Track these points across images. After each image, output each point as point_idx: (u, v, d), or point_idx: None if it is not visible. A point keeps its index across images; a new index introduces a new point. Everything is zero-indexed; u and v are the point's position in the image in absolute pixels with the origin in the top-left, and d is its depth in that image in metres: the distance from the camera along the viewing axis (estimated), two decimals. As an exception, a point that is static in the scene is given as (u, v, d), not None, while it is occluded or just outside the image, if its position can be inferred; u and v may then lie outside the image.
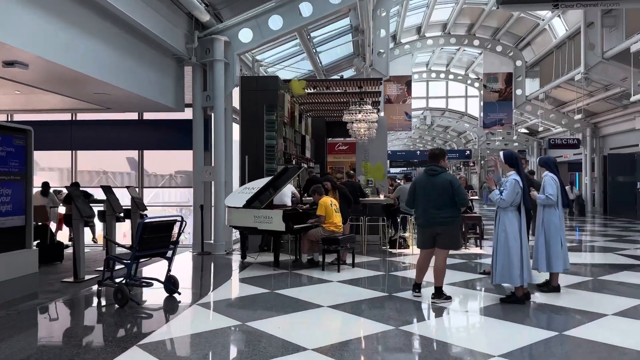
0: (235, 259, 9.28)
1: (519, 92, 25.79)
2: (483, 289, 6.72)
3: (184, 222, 6.08)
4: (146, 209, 9.10)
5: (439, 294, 5.85)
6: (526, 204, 5.83)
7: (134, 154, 12.34)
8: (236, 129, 11.07)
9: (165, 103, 9.55)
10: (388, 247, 10.18)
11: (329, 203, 7.96)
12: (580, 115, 20.50)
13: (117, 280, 6.01)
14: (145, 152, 11.79)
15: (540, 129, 27.85)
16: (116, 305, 5.66)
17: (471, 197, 10.98)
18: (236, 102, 10.92)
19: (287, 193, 9.60)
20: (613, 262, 8.89)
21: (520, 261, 5.76)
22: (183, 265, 9.00)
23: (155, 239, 5.87)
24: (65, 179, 12.53)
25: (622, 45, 16.02)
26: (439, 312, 5.52)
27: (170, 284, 6.18)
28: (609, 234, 13.26)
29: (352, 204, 8.50)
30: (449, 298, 5.86)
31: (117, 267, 6.60)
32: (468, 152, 34.42)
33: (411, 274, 7.69)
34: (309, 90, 11.90)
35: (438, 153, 6.03)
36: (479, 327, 5.16)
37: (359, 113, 11.04)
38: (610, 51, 16.96)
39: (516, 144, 33.32)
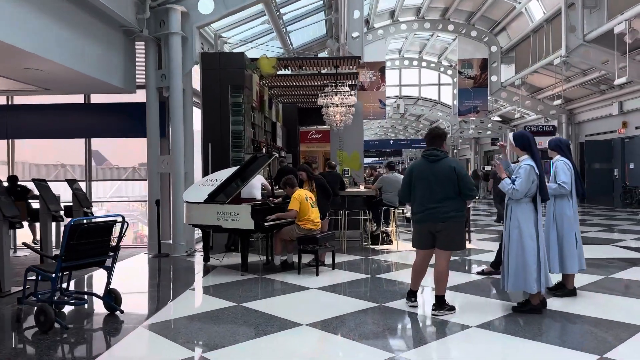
0: (198, 261, 8.11)
1: (494, 78, 25.16)
2: (488, 293, 5.77)
3: (126, 224, 4.88)
4: (91, 206, 7.83)
5: (440, 304, 4.84)
6: (543, 195, 4.86)
7: (95, 144, 10.98)
8: (197, 113, 9.84)
9: (113, 83, 8.24)
10: (370, 243, 9.17)
11: (304, 197, 6.87)
12: (560, 100, 19.94)
13: (44, 296, 4.78)
14: (108, 141, 10.45)
15: (517, 115, 27.34)
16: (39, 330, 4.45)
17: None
18: (197, 84, 9.67)
19: (257, 185, 8.46)
20: (617, 255, 8.09)
21: (537, 263, 4.80)
22: (134, 271, 7.78)
23: (88, 244, 4.67)
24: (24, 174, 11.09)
25: (604, 27, 15.36)
26: (443, 329, 4.51)
27: (111, 299, 4.99)
28: (597, 224, 12.60)
29: (331, 197, 7.43)
30: (452, 309, 4.86)
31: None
32: (442, 140, 33.74)
33: (399, 275, 6.69)
34: (282, 72, 10.75)
35: (439, 134, 4.98)
36: (499, 350, 4.16)
37: (336, 95, 9.95)
38: (591, 33, 16.30)
39: (489, 132, 32.88)
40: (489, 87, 24.98)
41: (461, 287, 5.92)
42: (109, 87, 8.42)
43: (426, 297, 5.50)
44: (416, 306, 5.07)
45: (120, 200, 14.66)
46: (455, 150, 37.39)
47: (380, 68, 24.33)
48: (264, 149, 10.57)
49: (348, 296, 5.68)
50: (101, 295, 5.00)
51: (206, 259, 7.52)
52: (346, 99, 9.89)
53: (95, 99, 9.93)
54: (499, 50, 25.18)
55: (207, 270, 7.30)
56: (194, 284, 6.44)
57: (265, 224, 6.72)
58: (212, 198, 6.93)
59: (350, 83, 11.24)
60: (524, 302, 4.95)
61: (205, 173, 9.00)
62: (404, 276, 6.68)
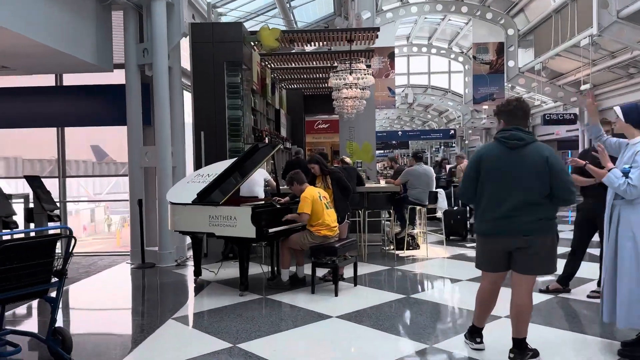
0: (189, 272, 6.70)
1: (511, 63, 23.56)
2: (571, 323, 4.33)
3: (73, 239, 3.46)
4: (57, 208, 6.41)
5: (521, 349, 3.40)
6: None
7: (96, 139, 9.62)
8: (188, 98, 8.40)
9: (84, 58, 6.79)
10: (392, 248, 7.74)
11: (317, 196, 5.43)
12: (588, 85, 18.36)
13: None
14: (109, 135, 9.08)
15: (536, 102, 25.78)
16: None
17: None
18: (186, 63, 8.22)
19: (259, 181, 7.04)
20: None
21: (659, 290, 3.37)
22: (108, 288, 6.37)
23: (21, 269, 3.25)
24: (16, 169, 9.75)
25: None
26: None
27: (57, 343, 3.57)
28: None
29: (350, 195, 5.99)
30: (535, 355, 3.43)
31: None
32: (452, 131, 32.30)
33: (442, 296, 5.26)
34: (286, 51, 9.29)
35: (522, 107, 3.49)
36: None
37: (350, 75, 8.47)
38: (626, 9, 14.75)
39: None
40: (506, 72, 23.42)
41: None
42: (79, 63, 6.98)
43: (493, 334, 4.07)
44: (483, 349, 3.64)
45: (101, 200, 13.23)
46: (466, 142, 35.89)
47: (389, 54, 22.79)
48: (266, 139, 9.13)
49: (380, 330, 4.25)
50: (44, 337, 3.59)
51: (197, 272, 6.09)
52: (363, 77, 8.41)
53: (68, 81, 8.49)
54: (516, 33, 23.59)
55: (198, 287, 5.89)
56: (179, 310, 5.01)
57: (270, 230, 5.28)
58: (203, 198, 5.50)
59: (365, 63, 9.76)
60: (636, 343, 3.52)
61: (197, 167, 7.58)
62: (450, 298, 5.25)
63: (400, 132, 33.36)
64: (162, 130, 7.17)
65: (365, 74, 8.44)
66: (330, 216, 5.46)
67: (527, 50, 23.98)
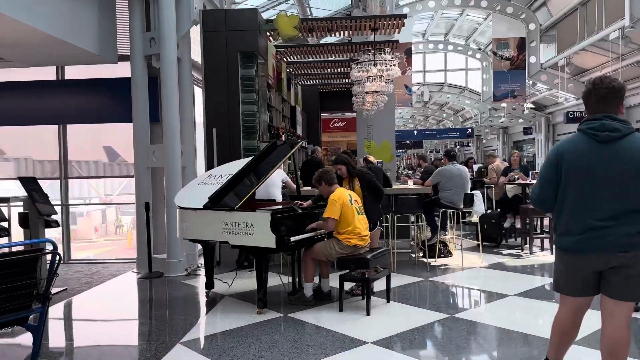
0: (200, 284, 6.07)
1: (532, 59, 22.70)
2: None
3: (58, 257, 2.82)
4: (54, 213, 5.79)
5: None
6: None
7: (103, 138, 8.99)
8: (199, 93, 7.77)
9: (85, 47, 6.20)
10: (422, 256, 7.04)
11: (348, 199, 4.76)
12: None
13: None
14: (120, 134, 8.44)
15: (560, 99, 24.88)
16: None
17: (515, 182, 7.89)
18: (197, 55, 7.59)
19: (276, 182, 6.40)
20: None
21: None
22: (112, 301, 5.74)
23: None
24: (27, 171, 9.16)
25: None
26: None
27: (40, 382, 2.94)
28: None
29: (382, 199, 5.31)
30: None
31: None
32: (470, 130, 31.45)
33: (494, 317, 4.54)
34: (303, 43, 8.64)
35: (615, 87, 2.78)
36: None
37: (375, 67, 7.78)
38: (661, -1, 13.93)
39: (521, 119, 30.41)
40: (528, 69, 22.57)
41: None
42: (81, 54, 6.39)
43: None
44: (562, 392, 2.94)
45: (107, 203, 12.71)
46: (484, 141, 34.99)
47: (406, 50, 22.03)
48: (283, 137, 8.48)
49: None
50: (24, 373, 2.96)
51: (209, 284, 5.45)
52: (389, 69, 7.70)
53: (70, 75, 7.90)
54: (537, 27, 22.72)
55: (210, 302, 5.25)
56: (189, 332, 4.37)
57: (292, 239, 4.61)
58: (216, 202, 4.85)
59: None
60: None
61: (209, 167, 6.95)
62: (503, 319, 4.54)
63: (415, 132, 32.52)
64: (170, 126, 6.55)
65: (390, 65, 7.74)
66: (361, 223, 4.78)
67: (549, 45, 23.10)
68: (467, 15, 25.93)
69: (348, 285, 5.12)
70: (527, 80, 22.89)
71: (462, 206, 6.82)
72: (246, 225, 4.61)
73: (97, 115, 7.66)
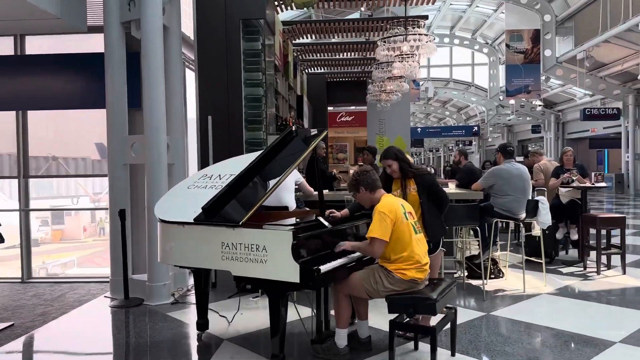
0: (191, 318, 4.63)
1: (547, 52, 21.39)
2: None
3: None
4: (-4, 225, 4.33)
5: None
6: None
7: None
8: (191, 73, 6.33)
9: (43, 7, 4.74)
10: (466, 276, 5.63)
11: (401, 212, 3.33)
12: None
13: None
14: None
15: (579, 95, 23.59)
16: None
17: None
18: (188, 29, 6.15)
19: (289, 185, 4.99)
20: None
21: None
22: (72, 346, 4.27)
23: None
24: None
25: None
26: None
27: None
28: None
29: (445, 209, 3.91)
30: None
31: None
32: (475, 128, 30.13)
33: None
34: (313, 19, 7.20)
35: None
36: None
37: (404, 43, 6.34)
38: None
39: (529, 117, 29.13)
40: (542, 62, 21.25)
41: None
42: (41, 16, 4.92)
43: None
44: None
45: (72, 208, 11.30)
46: (489, 139, 33.69)
47: (413, 41, 20.75)
48: (293, 128, 7.04)
49: None
50: None
51: (202, 324, 4.00)
52: (424, 44, 6.27)
53: (31, 50, 6.41)
54: (553, 19, 21.41)
55: (204, 350, 3.83)
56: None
57: (322, 269, 3.17)
58: (212, 214, 3.41)
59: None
60: None
61: (203, 165, 5.52)
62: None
63: (419, 129, 31.15)
64: (153, 113, 5.09)
65: (427, 41, 6.30)
66: (420, 246, 3.37)
67: (565, 38, 21.79)
68: (477, 6, 24.59)
69: (382, 317, 3.70)
70: (541, 75, 21.58)
71: (522, 216, 5.42)
72: (256, 248, 3.18)
73: (66, 99, 6.19)
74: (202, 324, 4.02)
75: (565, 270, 6.24)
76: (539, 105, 26.84)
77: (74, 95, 6.13)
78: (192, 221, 3.45)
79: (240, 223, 3.24)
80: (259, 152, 4.10)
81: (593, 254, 6.33)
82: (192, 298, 5.18)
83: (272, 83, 6.45)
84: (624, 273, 5.96)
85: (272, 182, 3.65)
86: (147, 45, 5.09)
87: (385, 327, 3.67)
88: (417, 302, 3.17)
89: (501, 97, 28.50)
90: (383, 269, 3.32)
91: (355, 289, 3.40)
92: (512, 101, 27.72)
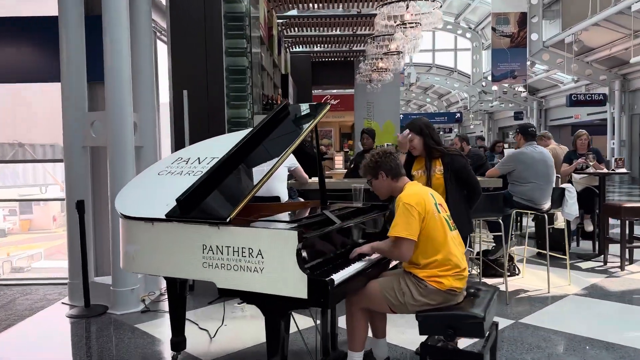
0: (164, 331, 3.86)
1: (534, 36, 20.88)
2: None
3: None
4: None
5: None
6: None
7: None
8: (163, 47, 5.48)
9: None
10: (479, 274, 4.97)
11: (431, 202, 2.61)
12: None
13: None
14: None
15: (565, 81, 23.22)
16: None
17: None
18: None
19: (280, 171, 4.23)
20: None
21: None
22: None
23: None
24: None
25: None
26: None
27: None
28: None
29: (475, 201, 3.22)
30: None
31: None
32: (458, 115, 29.67)
33: None
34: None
35: None
36: None
37: (408, 11, 5.58)
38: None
39: (512, 104, 28.78)
40: (529, 46, 20.75)
41: None
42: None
43: None
44: None
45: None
46: (472, 126, 33.31)
47: (398, 24, 20.01)
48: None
49: None
50: None
51: (178, 345, 3.20)
52: (428, 12, 5.52)
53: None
54: (540, 1, 20.89)
55: (179, 376, 3.06)
56: None
57: (336, 279, 2.41)
58: (190, 207, 2.63)
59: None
60: None
61: (178, 146, 4.70)
62: None
63: (401, 115, 30.45)
64: (117, 85, 4.25)
65: (433, 8, 5.54)
66: (458, 247, 2.65)
67: (552, 21, 21.30)
68: (461, -11, 23.98)
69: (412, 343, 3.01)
70: (527, 59, 21.10)
71: (546, 206, 4.76)
72: (249, 253, 2.42)
73: (9, 71, 5.25)
74: (178, 342, 3.23)
75: (584, 265, 5.64)
76: (523, 92, 26.49)
77: (21, 67, 5.21)
78: (164, 217, 2.66)
79: (228, 220, 2.46)
80: (247, 131, 3.34)
81: (612, 247, 5.76)
82: (166, 304, 4.39)
83: (257, 54, 5.64)
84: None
85: (265, 167, 2.89)
86: (109, 4, 4.23)
87: (398, 342, 3.00)
88: (459, 321, 2.45)
89: (484, 84, 28.10)
90: (411, 277, 2.59)
91: (376, 302, 2.67)
92: (495, 87, 27.33)
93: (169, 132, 4.92)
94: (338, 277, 2.44)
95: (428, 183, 3.15)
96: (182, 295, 3.15)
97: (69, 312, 4.36)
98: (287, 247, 2.33)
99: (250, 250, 2.42)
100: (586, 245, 6.53)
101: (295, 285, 2.32)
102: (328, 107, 3.49)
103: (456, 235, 2.68)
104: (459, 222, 2.95)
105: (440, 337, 2.52)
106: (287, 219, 2.72)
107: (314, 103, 3.58)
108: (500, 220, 4.40)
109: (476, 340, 2.82)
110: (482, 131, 34.51)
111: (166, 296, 4.46)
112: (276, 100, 6.24)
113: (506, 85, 25.39)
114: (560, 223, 5.08)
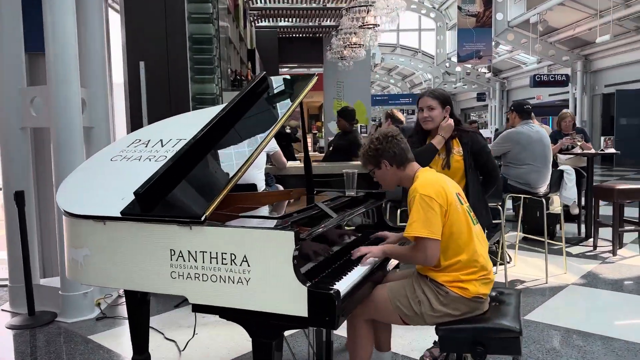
0: (123, 343, 3.30)
1: (499, 16, 20.77)
2: None
3: None
4: None
5: None
6: None
7: None
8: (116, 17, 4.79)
9: None
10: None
11: (450, 190, 2.15)
12: (607, 36, 15.81)
13: None
14: None
15: (530, 60, 23.27)
16: None
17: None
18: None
19: (260, 158, 3.70)
20: None
21: None
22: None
23: None
24: None
25: None
26: None
27: None
28: None
29: (492, 187, 2.80)
30: None
31: None
32: (422, 96, 29.46)
33: None
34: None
35: None
36: None
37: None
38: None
39: (475, 85, 28.87)
40: (494, 26, 20.62)
41: None
42: None
43: None
44: None
45: None
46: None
47: (363, 1, 19.46)
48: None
49: None
50: None
51: (140, 363, 2.68)
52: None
53: None
54: (505, -20, 20.74)
55: (143, 404, 2.54)
56: None
57: (342, 288, 1.93)
58: (152, 203, 2.08)
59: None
60: None
61: (135, 127, 4.08)
62: None
63: (374, 98, 30.11)
64: (60, 56, 3.59)
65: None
66: (483, 244, 2.21)
67: (517, 1, 21.25)
68: (425, -33, 23.57)
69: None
70: (493, 39, 21.01)
71: (542, 189, 4.42)
72: (231, 260, 1.90)
73: None
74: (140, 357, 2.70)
75: (573, 250, 5.37)
76: (486, 73, 26.54)
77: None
78: (119, 215, 2.10)
79: (203, 218, 1.93)
80: (219, 107, 2.79)
81: (602, 231, 5.52)
82: (123, 307, 3.82)
83: (224, 24, 5.02)
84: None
85: (246, 151, 2.37)
86: (48, -43, 3.54)
87: (398, 349, 2.59)
88: (490, 335, 2.02)
89: (447, 65, 28.00)
90: (428, 282, 2.14)
91: (384, 312, 2.20)
92: (458, 68, 27.28)
93: (124, 111, 4.29)
94: (343, 286, 1.97)
95: (446, 167, 2.70)
96: (144, 304, 2.60)
97: (10, 322, 3.73)
98: (281, 251, 1.83)
99: (233, 257, 1.90)
100: (570, 228, 6.29)
101: (292, 300, 1.83)
102: (315, 79, 2.97)
103: (479, 231, 2.24)
104: (478, 213, 2.51)
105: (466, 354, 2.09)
106: (276, 214, 2.20)
107: (298, 74, 3.07)
108: (500, 206, 4.02)
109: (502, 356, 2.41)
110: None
111: (123, 299, 3.89)
112: (246, 76, 5.66)
113: (469, 66, 25.41)
114: (556, 207, 4.76)
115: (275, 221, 2.04)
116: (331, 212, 2.36)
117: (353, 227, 2.60)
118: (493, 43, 22.16)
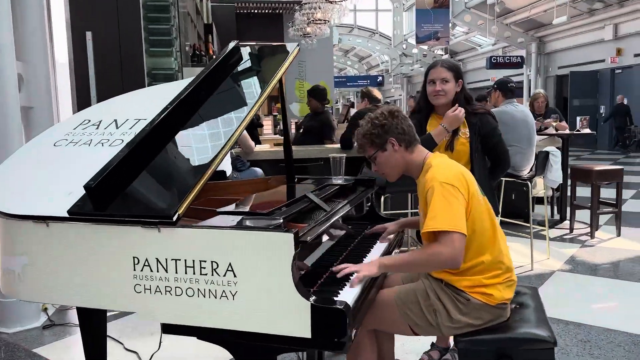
0: (77, 355, 2.86)
1: (457, -3, 20.73)
2: None
3: None
4: None
5: None
6: None
7: None
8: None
9: None
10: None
11: (472, 180, 1.84)
12: (565, 17, 16.00)
13: None
14: None
15: (486, 41, 23.39)
16: None
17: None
18: None
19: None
20: None
21: None
22: None
23: None
24: None
25: None
26: None
27: None
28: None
29: (500, 174, 2.51)
30: None
31: None
32: (380, 78, 29.40)
33: None
34: None
35: None
36: None
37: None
38: None
39: (432, 67, 28.88)
40: (451, 7, 20.58)
41: None
42: None
43: None
44: None
45: None
46: (392, 89, 33.28)
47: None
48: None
49: None
50: None
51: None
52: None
53: None
54: (463, -40, 20.67)
55: None
56: None
57: (348, 299, 1.59)
58: (108, 199, 1.66)
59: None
60: None
61: (82, 106, 3.56)
62: None
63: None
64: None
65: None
66: (504, 242, 1.91)
67: (474, -18, 21.24)
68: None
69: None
70: (450, 21, 20.98)
71: (526, 172, 4.21)
72: (212, 269, 1.52)
73: None
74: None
75: (551, 233, 5.24)
76: (443, 55, 26.58)
77: None
78: (66, 215, 1.67)
79: (175, 217, 1.53)
80: (183, 81, 2.38)
81: (578, 213, 5.43)
82: (74, 314, 3.36)
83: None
84: (619, 235, 5.08)
85: (221, 133, 1.97)
86: None
87: (398, 355, 2.31)
88: (520, 346, 1.73)
89: (404, 46, 27.94)
90: (444, 287, 1.82)
91: (391, 322, 1.88)
92: (415, 50, 27.24)
93: (69, 88, 3.75)
94: (350, 297, 1.62)
95: (448, 149, 2.39)
96: (100, 312, 2.17)
97: (-63, 335, 3.20)
98: (277, 257, 1.47)
99: (214, 265, 1.52)
100: (541, 210, 6.19)
101: (292, 317, 1.48)
102: (297, 49, 2.59)
103: (496, 225, 1.94)
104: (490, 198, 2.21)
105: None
106: (263, 209, 1.82)
107: (277, 44, 2.69)
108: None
109: None
110: (400, 95, 34.62)
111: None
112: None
113: (426, 47, 25.39)
114: (540, 191, 4.58)
115: (266, 219, 1.65)
116: (324, 204, 2.00)
117: (342, 221, 2.26)
118: (450, 24, 22.17)
